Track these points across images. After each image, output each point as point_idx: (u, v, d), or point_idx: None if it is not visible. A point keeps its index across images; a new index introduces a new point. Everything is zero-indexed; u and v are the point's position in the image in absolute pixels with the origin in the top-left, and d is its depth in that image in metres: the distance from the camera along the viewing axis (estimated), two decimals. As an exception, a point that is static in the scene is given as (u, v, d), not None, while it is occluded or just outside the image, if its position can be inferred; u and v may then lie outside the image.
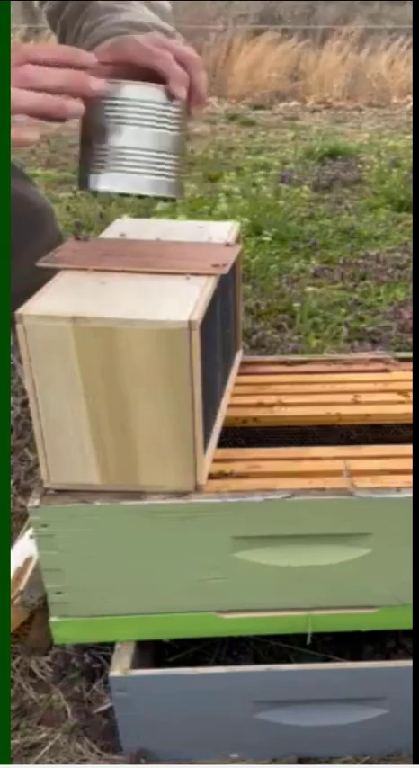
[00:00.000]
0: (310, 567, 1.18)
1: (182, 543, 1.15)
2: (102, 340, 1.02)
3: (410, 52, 8.41)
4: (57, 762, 1.25)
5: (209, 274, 1.18)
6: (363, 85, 8.54)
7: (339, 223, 3.83)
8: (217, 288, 1.19)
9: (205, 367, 1.10)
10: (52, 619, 1.22)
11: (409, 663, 1.17)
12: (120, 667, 1.17)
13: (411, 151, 5.37)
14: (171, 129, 1.03)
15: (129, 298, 1.09)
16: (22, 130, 0.90)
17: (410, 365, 1.58)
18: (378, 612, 1.23)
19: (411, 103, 7.90)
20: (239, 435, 1.44)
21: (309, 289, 2.98)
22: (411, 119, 7.04)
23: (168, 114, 1.01)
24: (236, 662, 1.38)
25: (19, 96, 0.88)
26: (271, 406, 1.44)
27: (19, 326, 1.02)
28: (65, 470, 1.12)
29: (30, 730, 1.30)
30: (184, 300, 1.07)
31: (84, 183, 1.08)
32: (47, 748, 1.27)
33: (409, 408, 1.42)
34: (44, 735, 1.29)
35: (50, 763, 1.25)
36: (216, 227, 1.46)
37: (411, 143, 5.72)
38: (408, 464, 1.23)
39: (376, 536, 1.16)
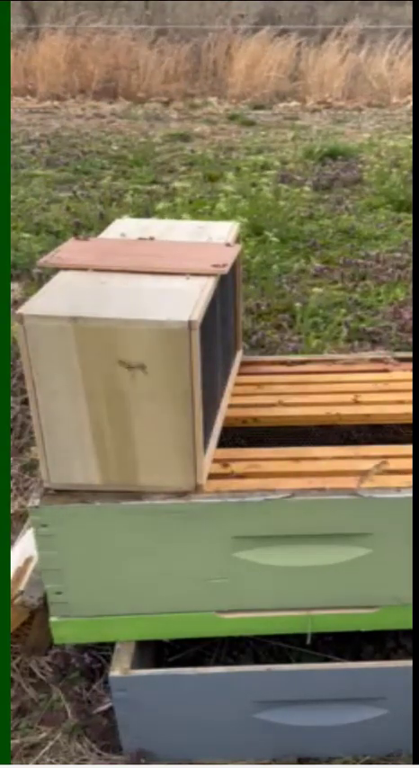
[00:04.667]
0: (310, 567, 1.18)
1: (182, 543, 1.15)
2: (102, 340, 1.02)
3: (410, 52, 8.40)
4: (57, 762, 1.25)
5: (209, 274, 1.18)
6: (363, 85, 8.53)
7: (339, 223, 3.83)
8: (217, 288, 1.19)
9: (205, 367, 1.10)
10: (52, 619, 1.22)
11: (409, 663, 1.17)
12: (120, 667, 1.17)
13: (411, 151, 5.36)
14: None
15: (129, 298, 1.09)
16: None
17: (410, 365, 1.58)
18: (378, 612, 1.22)
19: (411, 103, 7.89)
20: (239, 435, 1.45)
21: (314, 289, 2.97)
22: (411, 119, 7.04)
23: None
24: (236, 662, 1.38)
25: None
26: (271, 406, 1.44)
27: (19, 326, 1.02)
28: (65, 470, 1.12)
29: (30, 730, 1.30)
30: (184, 300, 1.07)
31: None
32: (47, 748, 1.27)
33: (409, 408, 1.42)
34: (44, 735, 1.29)
35: (50, 763, 1.25)
36: (216, 227, 1.46)
37: (411, 143, 5.72)
38: (408, 464, 1.23)
39: (376, 536, 1.16)
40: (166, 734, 1.22)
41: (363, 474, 1.19)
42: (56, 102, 7.82)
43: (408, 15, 8.62)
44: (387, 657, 1.38)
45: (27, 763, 1.25)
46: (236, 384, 1.51)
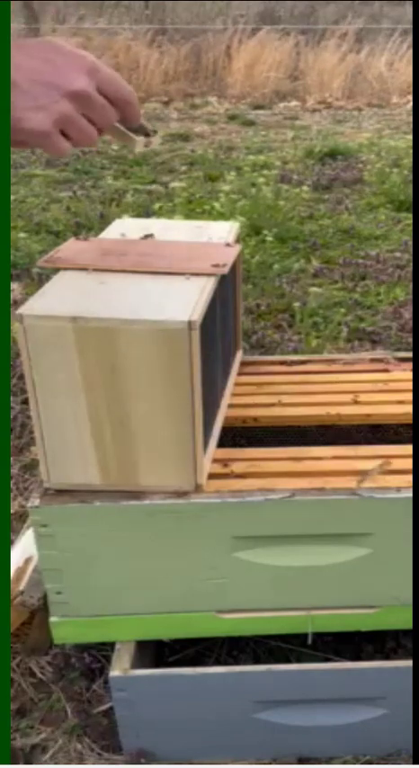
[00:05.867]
0: (310, 567, 1.18)
1: (182, 543, 1.15)
2: (102, 340, 1.02)
3: (410, 52, 8.41)
4: (57, 762, 1.25)
5: (209, 274, 1.18)
6: (363, 85, 8.54)
7: (339, 223, 3.83)
8: (217, 288, 1.19)
9: (205, 367, 1.10)
10: (52, 619, 1.22)
11: (409, 663, 1.17)
12: (120, 667, 1.17)
13: (411, 151, 5.36)
14: None
15: (129, 298, 1.09)
16: (59, 141, 0.90)
17: (410, 365, 1.58)
18: (378, 612, 1.22)
19: (411, 103, 7.89)
20: (239, 435, 1.44)
21: (314, 289, 2.98)
22: (411, 119, 7.04)
23: None
24: (236, 662, 1.38)
25: (79, 126, 0.90)
26: (271, 406, 1.44)
27: (19, 326, 1.02)
28: (65, 470, 1.12)
29: (30, 730, 1.30)
30: (184, 300, 1.07)
31: None
32: (47, 748, 1.27)
33: (409, 408, 1.42)
34: (44, 735, 1.29)
35: (50, 762, 1.25)
36: (216, 227, 1.46)
37: (411, 143, 5.72)
38: (408, 464, 1.22)
39: (376, 536, 1.16)
40: (166, 734, 1.22)
41: (364, 474, 1.19)
42: (56, 102, 7.79)
43: (408, 15, 8.62)
44: (387, 657, 1.38)
45: (27, 764, 1.25)
46: (236, 384, 1.51)
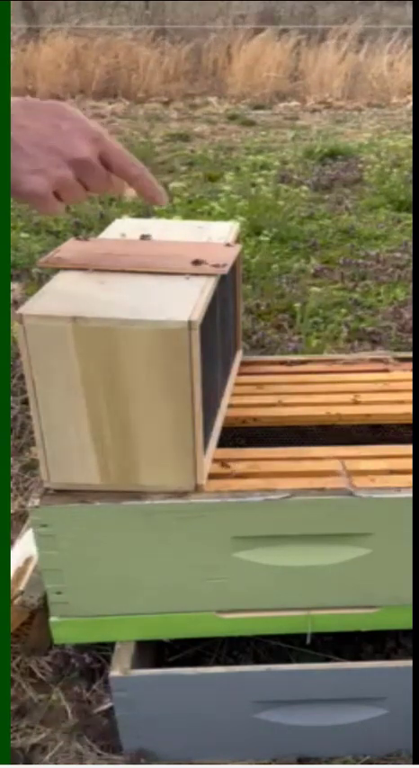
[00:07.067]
0: (310, 567, 1.18)
1: (181, 543, 1.15)
2: (101, 340, 1.02)
3: (410, 52, 8.42)
4: (57, 762, 1.25)
5: (209, 274, 1.18)
6: (363, 85, 8.54)
7: (339, 223, 3.83)
8: (217, 288, 1.19)
9: (205, 367, 1.10)
10: (52, 619, 1.22)
11: (409, 663, 1.17)
12: (120, 667, 1.17)
13: (411, 151, 5.37)
14: None
15: (129, 298, 1.09)
16: (53, 204, 0.93)
17: (410, 365, 1.58)
18: (378, 612, 1.22)
19: (411, 103, 7.90)
20: (239, 435, 1.44)
21: (314, 289, 2.98)
22: (411, 119, 7.04)
23: None
24: (236, 662, 1.38)
25: (74, 191, 0.92)
26: (271, 406, 1.44)
27: (19, 326, 1.02)
28: (65, 470, 1.12)
29: (30, 730, 1.30)
30: (184, 300, 1.07)
31: None
32: (47, 748, 1.27)
33: (409, 408, 1.42)
34: (44, 735, 1.29)
35: (50, 762, 1.25)
36: (216, 227, 1.46)
37: (411, 143, 5.72)
38: (408, 464, 1.22)
39: (376, 536, 1.16)
40: (166, 734, 1.22)
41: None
42: (56, 103, 7.80)
43: (408, 15, 8.63)
44: (388, 657, 1.38)
45: (26, 764, 1.25)
46: (236, 384, 1.51)
